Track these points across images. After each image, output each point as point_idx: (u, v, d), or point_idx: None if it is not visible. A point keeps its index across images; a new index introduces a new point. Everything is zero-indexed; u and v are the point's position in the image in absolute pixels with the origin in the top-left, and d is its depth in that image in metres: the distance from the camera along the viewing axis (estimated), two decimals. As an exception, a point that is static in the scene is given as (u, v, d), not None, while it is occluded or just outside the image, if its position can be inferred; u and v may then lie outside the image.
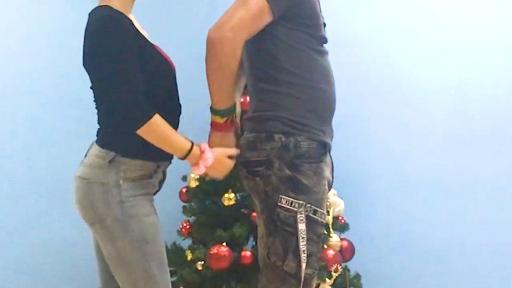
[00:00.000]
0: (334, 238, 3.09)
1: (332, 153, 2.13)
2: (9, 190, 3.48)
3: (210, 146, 2.04)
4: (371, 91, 3.56)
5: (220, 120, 2.02)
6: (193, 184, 3.21)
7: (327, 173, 2.05)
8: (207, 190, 3.17)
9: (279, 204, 1.96)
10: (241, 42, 1.93)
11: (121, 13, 1.97)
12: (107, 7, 1.98)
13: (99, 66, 1.94)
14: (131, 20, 2.00)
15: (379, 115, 3.54)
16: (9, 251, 3.47)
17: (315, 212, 1.98)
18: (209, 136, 2.07)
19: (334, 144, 2.15)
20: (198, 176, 3.14)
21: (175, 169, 2.24)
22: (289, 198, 1.95)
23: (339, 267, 2.99)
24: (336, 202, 3.14)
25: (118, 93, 1.90)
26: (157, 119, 1.92)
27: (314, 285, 2.06)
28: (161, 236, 2.05)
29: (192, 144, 1.99)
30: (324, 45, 2.12)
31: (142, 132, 1.91)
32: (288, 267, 1.96)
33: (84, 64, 2.01)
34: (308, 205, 1.97)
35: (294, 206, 1.95)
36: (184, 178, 3.28)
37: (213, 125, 2.05)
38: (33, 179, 3.52)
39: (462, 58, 3.44)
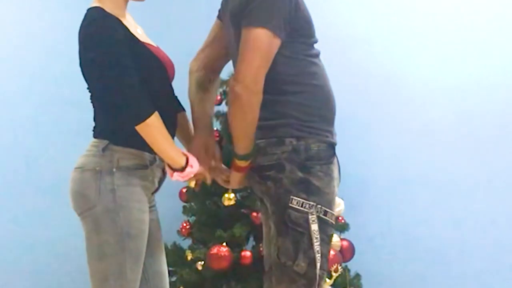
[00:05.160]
0: (334, 238, 3.08)
1: (333, 153, 2.13)
2: (9, 190, 3.48)
3: (231, 185, 2.16)
4: (372, 91, 3.56)
5: (245, 164, 2.04)
6: (193, 184, 3.20)
7: (336, 173, 2.08)
8: (207, 190, 3.15)
9: (290, 205, 1.97)
10: (262, 86, 1.94)
11: (110, 14, 1.97)
12: (97, 8, 1.98)
13: (92, 71, 1.96)
14: (120, 21, 1.99)
15: (379, 115, 3.54)
16: (10, 251, 3.47)
17: (325, 213, 2.00)
18: (231, 176, 2.12)
19: (334, 144, 2.15)
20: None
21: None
22: (300, 199, 1.97)
23: (339, 267, 2.99)
24: (336, 202, 3.13)
25: (115, 95, 1.92)
26: (155, 118, 1.94)
27: (323, 285, 2.07)
28: (145, 237, 2.02)
29: (187, 158, 2.02)
30: (318, 44, 2.12)
31: (139, 128, 1.93)
32: (298, 267, 1.97)
33: (80, 65, 2.02)
34: (319, 206, 1.98)
35: (305, 207, 1.97)
36: (184, 178, 3.28)
37: (236, 168, 2.07)
38: (33, 178, 3.52)
39: (463, 59, 3.43)
